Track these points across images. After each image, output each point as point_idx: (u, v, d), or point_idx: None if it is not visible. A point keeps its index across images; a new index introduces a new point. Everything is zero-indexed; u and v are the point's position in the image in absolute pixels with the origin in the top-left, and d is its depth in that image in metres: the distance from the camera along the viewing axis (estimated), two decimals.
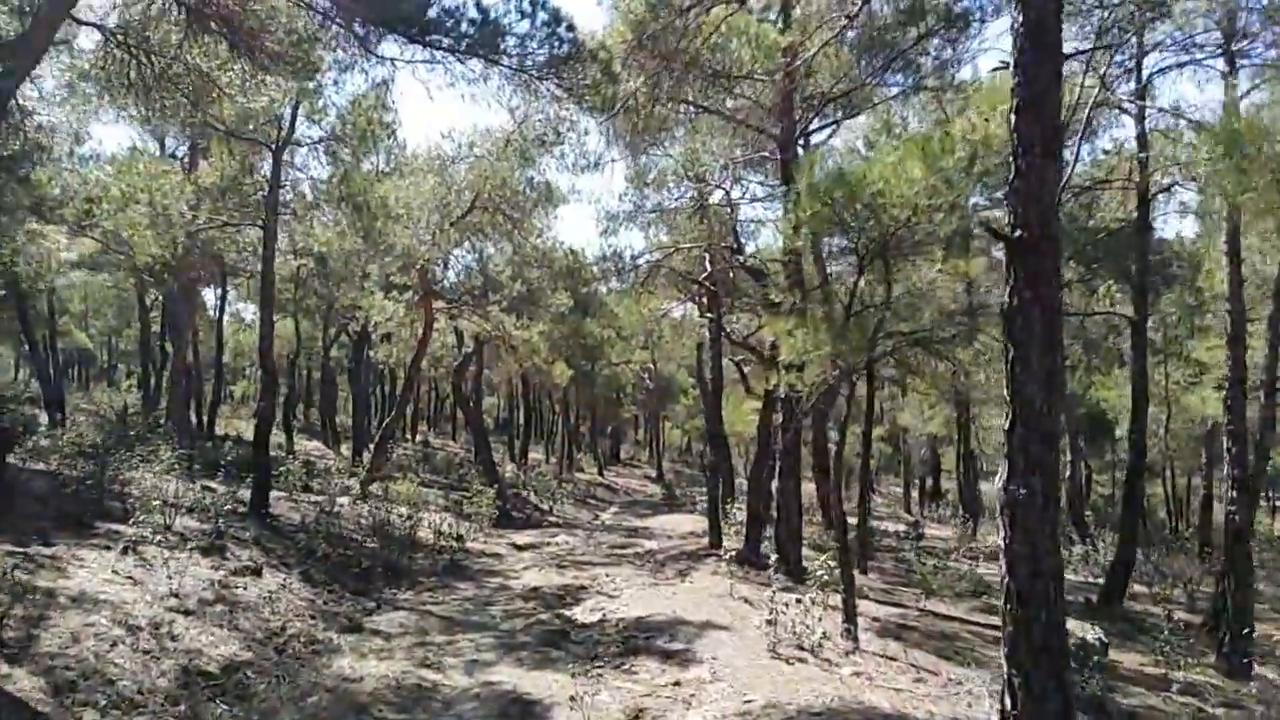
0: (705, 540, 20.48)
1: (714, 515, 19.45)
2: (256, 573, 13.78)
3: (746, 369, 35.27)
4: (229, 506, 16.73)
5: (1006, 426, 7.31)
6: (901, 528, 31.35)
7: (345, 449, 36.38)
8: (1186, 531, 38.04)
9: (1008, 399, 7.33)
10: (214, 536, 14.61)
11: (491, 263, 28.18)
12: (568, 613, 13.79)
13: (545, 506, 30.98)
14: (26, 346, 34.59)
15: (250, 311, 54.92)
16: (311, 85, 17.29)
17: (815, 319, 11.49)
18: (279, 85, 16.80)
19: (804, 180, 11.20)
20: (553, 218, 28.50)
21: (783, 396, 16.04)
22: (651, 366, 48.48)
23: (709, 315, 21.19)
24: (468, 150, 23.55)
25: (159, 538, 13.39)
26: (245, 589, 12.86)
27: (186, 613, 11.01)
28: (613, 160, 23.46)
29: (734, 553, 16.11)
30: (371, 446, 25.17)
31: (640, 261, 23.36)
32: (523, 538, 23.27)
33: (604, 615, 13.40)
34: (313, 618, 12.67)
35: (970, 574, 18.13)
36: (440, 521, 21.71)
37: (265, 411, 18.43)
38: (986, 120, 11.16)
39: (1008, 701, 7.09)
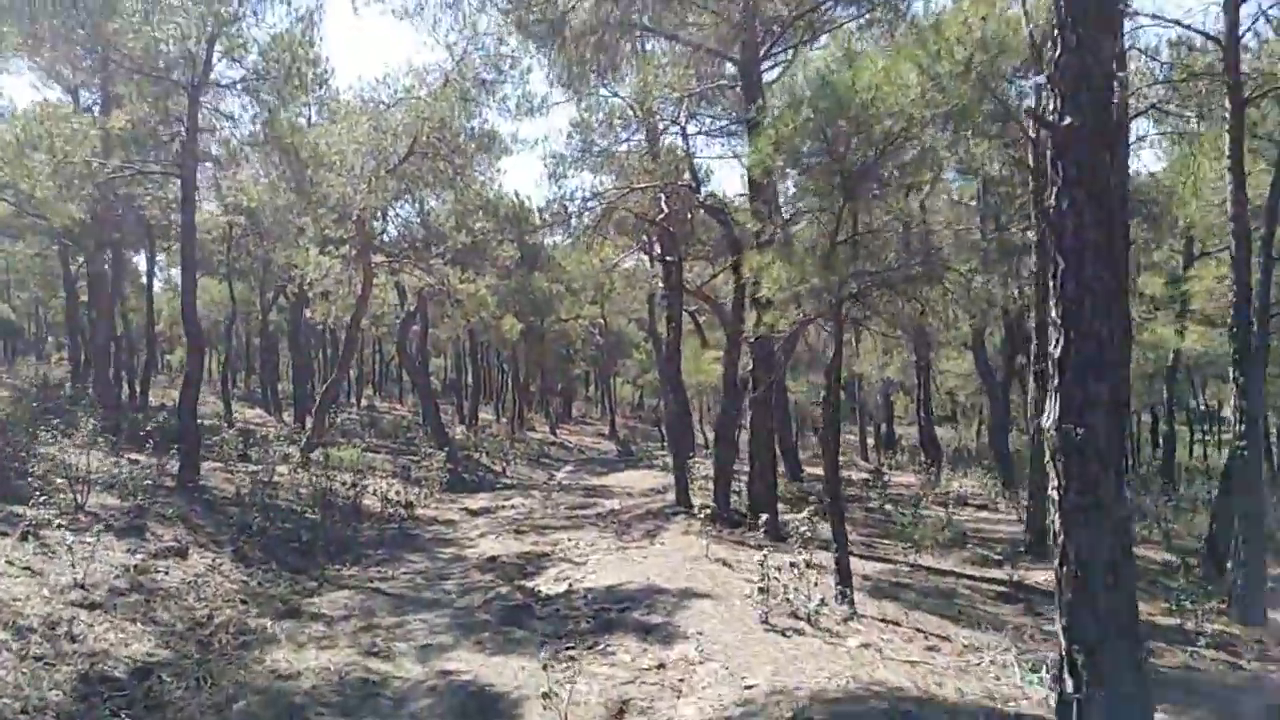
0: (670, 497, 19.17)
1: (680, 471, 18.08)
2: (181, 554, 12.18)
3: (701, 319, 34.10)
4: (152, 481, 15.07)
5: (1057, 355, 5.99)
6: (863, 475, 30.40)
7: (288, 416, 34.52)
8: (1140, 468, 37.82)
9: (1056, 321, 6.00)
10: (133, 515, 12.97)
11: (433, 214, 26.29)
12: (530, 584, 12.40)
13: (498, 468, 29.51)
14: None
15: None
16: (227, 12, 15.41)
17: (799, 250, 10.09)
18: (187, 11, 14.96)
19: (782, 94, 9.75)
20: (495, 169, 26.75)
21: (753, 341, 14.71)
22: (601, 321, 46.94)
23: (667, 259, 19.69)
24: (404, 92, 21.70)
25: (64, 520, 11.73)
26: (167, 574, 11.28)
27: (92, 606, 9.43)
28: (557, 103, 21.89)
29: (709, 510, 14.83)
30: (313, 412, 23.45)
31: (590, 204, 21.68)
32: (476, 502, 21.81)
33: (570, 585, 12.04)
34: (244, 603, 11.14)
35: (950, 522, 17.03)
36: (388, 488, 20.20)
37: (191, 376, 16.65)
38: (984, 19, 9.80)
39: (1068, 682, 5.83)
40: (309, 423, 26.74)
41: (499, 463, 29.89)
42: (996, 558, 14.19)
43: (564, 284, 40.85)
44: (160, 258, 47.22)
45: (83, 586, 9.80)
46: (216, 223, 29.62)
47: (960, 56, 9.51)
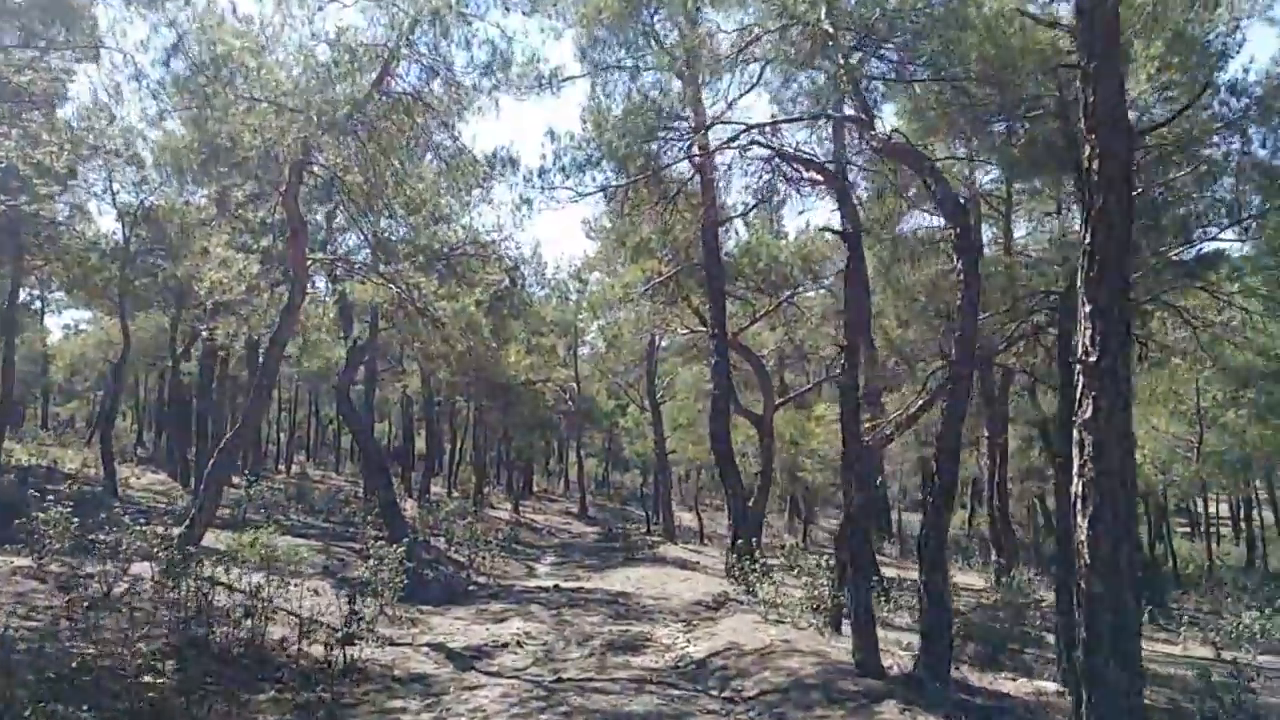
0: (805, 642, 10.81)
1: (864, 609, 9.00)
2: None
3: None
4: None
5: None
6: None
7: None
8: None
9: None
10: None
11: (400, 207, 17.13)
12: None
13: (462, 559, 20.66)
14: None
15: (87, 317, 42.57)
16: None
17: None
18: None
19: None
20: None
21: (1094, 361, 6.69)
22: (574, 385, 38.59)
23: (843, 224, 11.39)
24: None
25: None
26: None
27: None
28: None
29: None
30: (205, 479, 14.61)
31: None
32: (453, 626, 13.21)
33: None
34: None
35: None
36: (313, 604, 11.64)
37: None
38: None
39: None
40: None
41: (465, 552, 21.00)
42: None
43: (542, 334, 32.98)
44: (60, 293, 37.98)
45: None
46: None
47: None
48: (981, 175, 17.20)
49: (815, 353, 24.66)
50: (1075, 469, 6.84)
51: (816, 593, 12.59)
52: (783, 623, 12.83)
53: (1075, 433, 6.89)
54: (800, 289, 21.68)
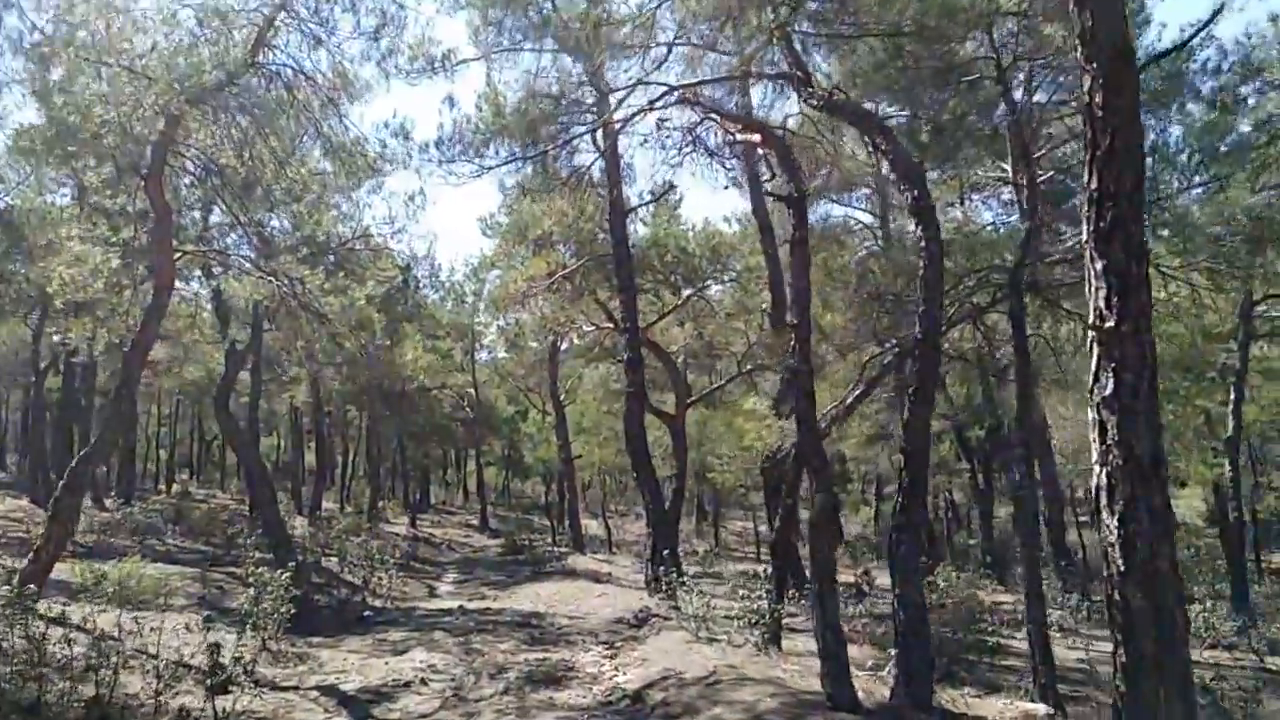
0: (753, 667, 9.68)
1: (831, 635, 7.62)
2: None
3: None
4: None
5: None
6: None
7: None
8: None
9: None
10: None
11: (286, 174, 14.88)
12: None
13: (358, 580, 18.86)
14: None
15: None
16: None
17: None
18: None
19: None
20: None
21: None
22: (472, 390, 36.75)
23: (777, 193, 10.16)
24: None
25: None
26: None
27: None
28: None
29: None
30: (53, 504, 12.57)
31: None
32: (348, 661, 11.58)
33: None
34: None
35: None
36: (186, 641, 9.96)
37: None
38: None
39: None
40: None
41: (359, 572, 19.17)
42: None
43: (438, 338, 31.23)
44: None
45: None
46: None
47: None
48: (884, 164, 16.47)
49: (725, 349, 23.70)
50: (1096, 456, 5.79)
51: (755, 606, 11.47)
52: (716, 640, 11.71)
53: (1092, 413, 5.85)
54: (709, 282, 20.65)
